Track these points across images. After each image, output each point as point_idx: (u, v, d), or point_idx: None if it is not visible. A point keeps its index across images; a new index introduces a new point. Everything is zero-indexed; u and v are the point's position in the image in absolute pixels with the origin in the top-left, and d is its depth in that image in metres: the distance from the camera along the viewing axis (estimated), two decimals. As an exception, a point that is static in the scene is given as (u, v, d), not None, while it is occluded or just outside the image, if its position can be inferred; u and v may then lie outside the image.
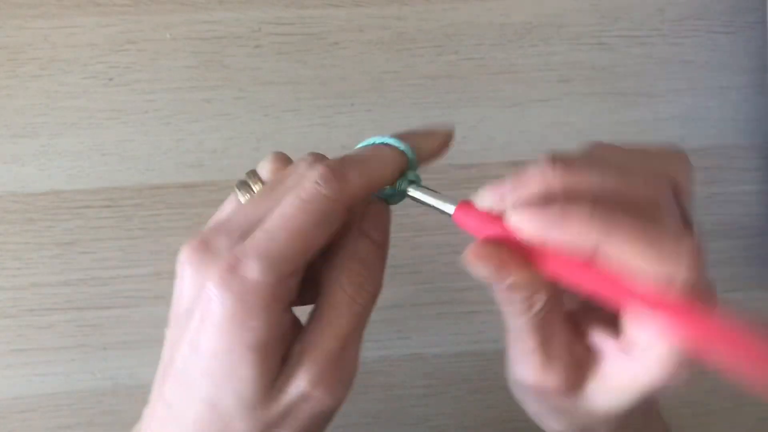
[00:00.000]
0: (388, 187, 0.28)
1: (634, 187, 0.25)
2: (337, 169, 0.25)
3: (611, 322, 0.26)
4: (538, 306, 0.25)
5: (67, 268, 0.44)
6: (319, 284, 0.27)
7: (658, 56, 0.47)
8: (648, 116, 0.47)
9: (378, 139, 0.28)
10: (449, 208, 0.27)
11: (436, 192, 0.28)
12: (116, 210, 0.44)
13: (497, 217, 0.25)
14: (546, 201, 0.24)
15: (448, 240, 0.46)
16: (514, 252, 0.25)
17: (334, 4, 0.45)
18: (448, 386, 0.47)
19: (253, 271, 0.24)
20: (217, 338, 0.24)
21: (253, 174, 0.28)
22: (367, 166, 0.27)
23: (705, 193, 0.47)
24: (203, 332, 0.25)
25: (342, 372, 0.26)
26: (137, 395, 0.44)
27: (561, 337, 0.27)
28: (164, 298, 0.44)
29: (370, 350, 0.46)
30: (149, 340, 0.44)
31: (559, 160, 0.25)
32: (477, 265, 0.25)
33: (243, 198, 0.28)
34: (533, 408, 0.29)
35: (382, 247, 0.27)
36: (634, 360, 0.25)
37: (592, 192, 0.24)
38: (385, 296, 0.46)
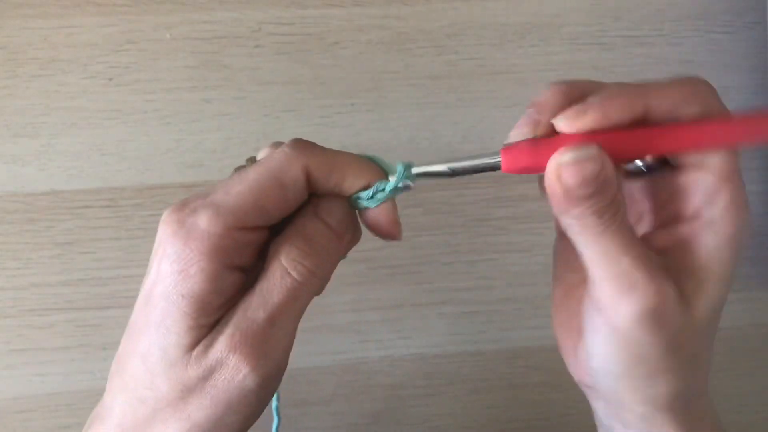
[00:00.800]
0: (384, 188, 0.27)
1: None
2: (307, 141, 0.26)
3: (664, 214, 0.28)
4: (621, 202, 0.25)
5: (67, 268, 0.44)
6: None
7: (658, 56, 0.47)
8: (648, 116, 0.47)
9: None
10: (494, 161, 0.26)
11: (472, 156, 0.27)
12: (116, 210, 0.44)
13: (543, 141, 0.25)
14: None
15: (448, 240, 0.46)
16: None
17: (334, 4, 0.45)
18: (448, 386, 0.47)
19: (201, 218, 0.24)
20: (161, 283, 0.25)
21: (252, 160, 0.29)
22: (338, 153, 0.27)
23: (705, 193, 0.47)
24: (154, 280, 0.25)
25: (265, 346, 0.25)
26: (137, 395, 0.44)
27: (643, 245, 0.26)
28: (164, 298, 0.45)
29: (370, 350, 0.46)
30: (149, 340, 0.44)
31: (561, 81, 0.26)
32: (581, 156, 0.24)
33: None
34: (643, 365, 0.26)
35: (338, 235, 0.27)
36: (708, 219, 0.27)
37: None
38: (385, 296, 0.46)
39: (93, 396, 0.44)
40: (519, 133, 0.26)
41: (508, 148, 0.26)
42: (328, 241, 0.27)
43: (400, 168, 0.27)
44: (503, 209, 0.46)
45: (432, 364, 0.47)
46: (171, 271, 0.24)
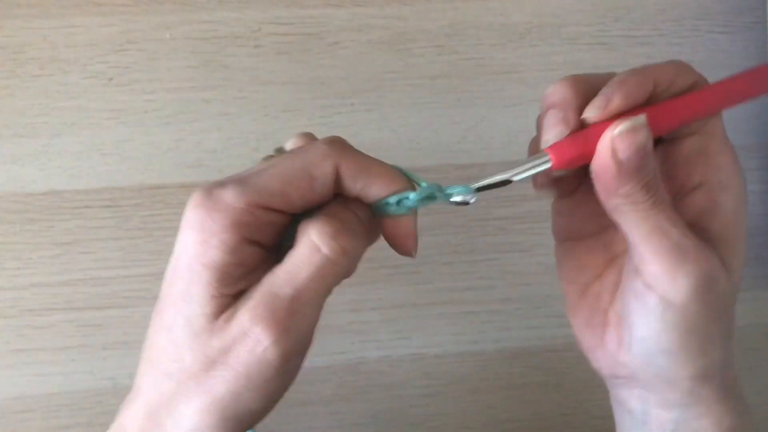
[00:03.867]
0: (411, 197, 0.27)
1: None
2: (344, 141, 0.27)
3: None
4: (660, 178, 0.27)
5: (67, 268, 0.44)
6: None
7: (658, 56, 0.47)
8: (648, 116, 0.47)
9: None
10: (544, 163, 0.27)
11: (521, 161, 0.27)
12: (116, 210, 0.44)
13: (582, 133, 0.26)
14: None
15: (448, 240, 0.46)
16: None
17: (334, 4, 0.45)
18: (448, 386, 0.47)
19: (227, 193, 0.25)
20: (184, 255, 0.25)
21: (280, 150, 0.29)
22: (372, 159, 0.27)
23: (705, 193, 0.47)
24: (177, 254, 0.26)
25: (289, 320, 0.25)
26: (137, 395, 0.44)
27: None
28: (164, 298, 0.45)
29: (370, 350, 0.46)
30: (149, 340, 0.44)
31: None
32: (637, 129, 0.25)
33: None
34: (693, 340, 0.27)
35: (365, 228, 0.27)
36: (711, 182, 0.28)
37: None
38: (385, 296, 0.46)
39: (93, 396, 0.44)
40: (555, 133, 0.27)
41: (554, 146, 0.27)
42: (358, 227, 0.27)
43: (425, 184, 0.27)
44: (503, 209, 0.46)
45: (432, 364, 0.47)
46: (193, 241, 0.25)
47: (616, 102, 0.26)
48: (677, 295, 0.26)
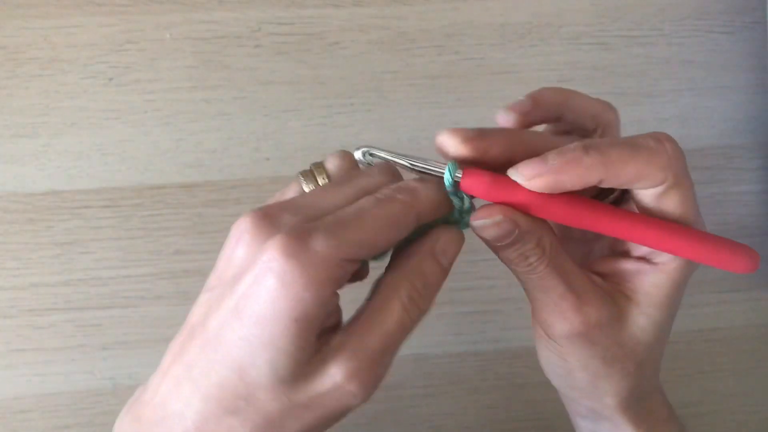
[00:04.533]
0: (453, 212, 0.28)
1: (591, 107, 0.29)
2: (411, 183, 0.28)
3: (615, 251, 0.31)
4: (548, 246, 0.28)
5: (67, 268, 0.44)
6: (374, 286, 0.28)
7: (658, 56, 0.47)
8: (648, 116, 0.47)
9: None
10: (451, 172, 0.27)
11: (432, 160, 0.28)
12: (116, 210, 0.44)
13: (500, 180, 0.27)
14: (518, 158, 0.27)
15: (448, 240, 0.46)
16: (516, 206, 0.27)
17: (334, 4, 0.45)
18: (448, 386, 0.47)
19: (321, 244, 0.24)
20: (267, 303, 0.24)
21: (320, 166, 0.29)
22: (431, 188, 0.28)
23: (705, 193, 0.47)
24: (253, 297, 0.24)
25: (377, 373, 0.26)
26: (137, 395, 0.44)
27: (580, 275, 0.29)
28: (164, 298, 0.45)
29: (370, 350, 0.46)
30: (149, 340, 0.44)
31: (589, 146, 0.26)
32: (486, 224, 0.27)
33: (307, 187, 0.29)
34: (583, 373, 0.30)
35: (445, 273, 0.28)
36: (654, 265, 0.28)
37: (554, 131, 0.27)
38: (385, 296, 0.46)
39: (93, 396, 0.44)
40: (449, 140, 0.28)
41: (470, 174, 0.27)
42: (439, 281, 0.28)
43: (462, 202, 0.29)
44: (503, 209, 0.46)
45: (432, 364, 0.47)
46: (285, 296, 0.24)
47: (542, 182, 0.26)
48: (558, 341, 0.29)
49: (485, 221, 0.27)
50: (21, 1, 0.43)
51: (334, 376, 0.25)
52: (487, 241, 0.28)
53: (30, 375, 0.44)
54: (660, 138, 0.26)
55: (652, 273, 0.28)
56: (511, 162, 0.27)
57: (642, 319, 0.29)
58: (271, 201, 0.29)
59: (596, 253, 0.32)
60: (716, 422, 0.49)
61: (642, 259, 0.29)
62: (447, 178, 0.27)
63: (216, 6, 0.44)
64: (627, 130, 0.47)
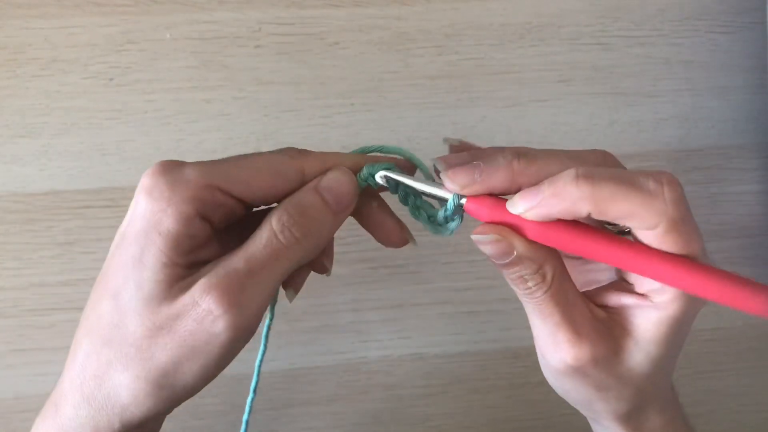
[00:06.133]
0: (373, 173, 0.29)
1: (592, 158, 0.27)
2: (301, 149, 0.29)
3: (621, 281, 0.30)
4: (549, 275, 0.27)
5: (67, 268, 0.44)
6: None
7: (658, 56, 0.47)
8: (648, 116, 0.47)
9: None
10: (456, 201, 0.28)
11: (437, 184, 0.29)
12: (116, 210, 0.44)
13: (501, 205, 0.27)
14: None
15: (448, 240, 0.46)
16: (516, 229, 0.27)
17: (334, 4, 0.45)
18: (448, 386, 0.47)
19: (188, 169, 0.26)
20: (138, 221, 0.26)
21: None
22: (330, 153, 0.29)
23: (705, 193, 0.47)
24: (130, 220, 0.26)
25: (240, 296, 0.25)
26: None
27: (580, 306, 0.28)
28: (164, 298, 0.44)
29: (370, 350, 0.46)
30: (149, 340, 0.44)
31: (520, 151, 0.27)
32: (481, 240, 0.27)
33: None
34: (579, 393, 0.30)
35: (331, 210, 0.28)
36: (655, 303, 0.27)
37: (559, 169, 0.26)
38: (385, 296, 0.46)
39: (93, 396, 0.44)
40: (451, 186, 0.28)
41: (474, 200, 0.28)
42: (321, 215, 0.28)
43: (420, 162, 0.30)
44: (503, 209, 0.46)
45: (432, 364, 0.47)
46: (151, 209, 0.26)
47: (534, 214, 0.26)
48: (552, 365, 0.29)
49: (481, 237, 0.27)
50: (21, 1, 0.43)
51: (193, 293, 0.25)
52: (488, 257, 0.28)
53: (31, 375, 0.44)
54: (661, 180, 0.25)
55: (654, 311, 0.28)
56: (512, 188, 0.27)
57: (640, 356, 0.28)
58: None
59: (602, 281, 0.32)
60: (716, 422, 0.49)
61: (644, 296, 0.28)
62: (450, 204, 0.28)
63: (216, 6, 0.44)
64: (627, 130, 0.47)
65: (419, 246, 0.46)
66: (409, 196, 0.29)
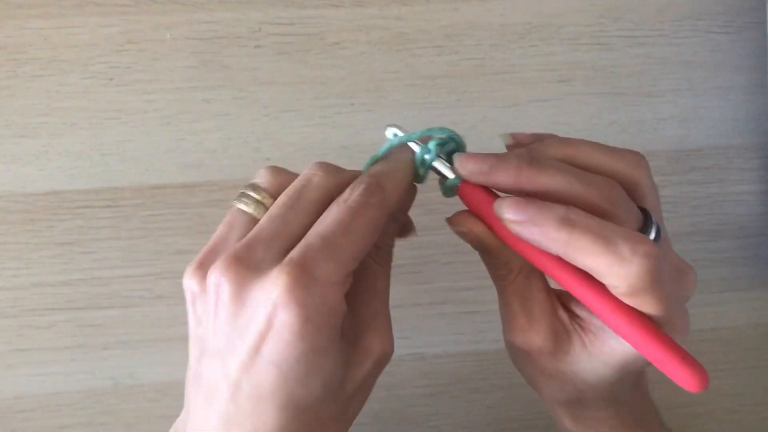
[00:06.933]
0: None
1: (594, 191, 0.27)
2: (376, 182, 0.28)
3: None
4: (516, 270, 0.30)
5: (67, 268, 0.44)
6: None
7: (658, 56, 0.47)
8: (648, 116, 0.47)
9: (395, 140, 0.31)
10: (450, 174, 0.29)
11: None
12: (116, 210, 0.44)
13: (488, 201, 0.28)
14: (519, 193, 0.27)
15: (448, 240, 0.46)
16: (492, 226, 0.28)
17: (334, 4, 0.45)
18: (448, 386, 0.47)
19: (325, 272, 0.25)
20: (297, 343, 0.24)
21: (256, 187, 0.29)
22: (397, 175, 0.29)
23: (705, 193, 0.47)
24: (276, 343, 0.24)
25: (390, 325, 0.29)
26: (137, 395, 0.44)
27: (543, 304, 0.30)
28: (164, 298, 0.45)
29: (370, 350, 0.46)
30: (149, 340, 0.44)
31: (534, 159, 0.27)
32: (456, 227, 0.29)
33: (251, 210, 0.28)
34: (526, 372, 0.33)
35: (400, 222, 0.31)
36: (611, 334, 0.28)
37: (558, 193, 0.26)
38: (385, 296, 0.46)
39: (93, 396, 0.44)
40: (473, 166, 0.28)
41: (468, 186, 0.29)
42: (394, 231, 0.31)
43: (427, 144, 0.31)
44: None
45: (432, 364, 0.47)
46: (311, 328, 0.24)
47: (515, 228, 0.26)
48: (509, 342, 0.32)
49: (454, 228, 0.29)
50: (21, 1, 0.43)
51: (373, 354, 0.28)
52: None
53: (30, 375, 0.44)
54: (636, 249, 0.25)
55: (614, 340, 0.28)
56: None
57: (588, 367, 0.29)
58: (211, 245, 0.28)
59: None
60: (715, 421, 0.49)
61: (597, 328, 0.29)
62: (450, 183, 0.29)
63: (216, 6, 0.44)
64: (627, 130, 0.47)
65: (419, 246, 0.46)
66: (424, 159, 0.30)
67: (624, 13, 0.47)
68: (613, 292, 0.26)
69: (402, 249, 0.46)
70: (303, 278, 0.24)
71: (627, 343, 0.27)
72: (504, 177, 0.27)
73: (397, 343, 0.47)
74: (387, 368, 0.46)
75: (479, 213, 0.29)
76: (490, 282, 0.47)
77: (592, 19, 0.46)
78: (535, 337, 0.29)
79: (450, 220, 0.29)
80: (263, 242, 0.26)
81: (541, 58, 0.46)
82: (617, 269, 0.25)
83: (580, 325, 0.30)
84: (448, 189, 0.29)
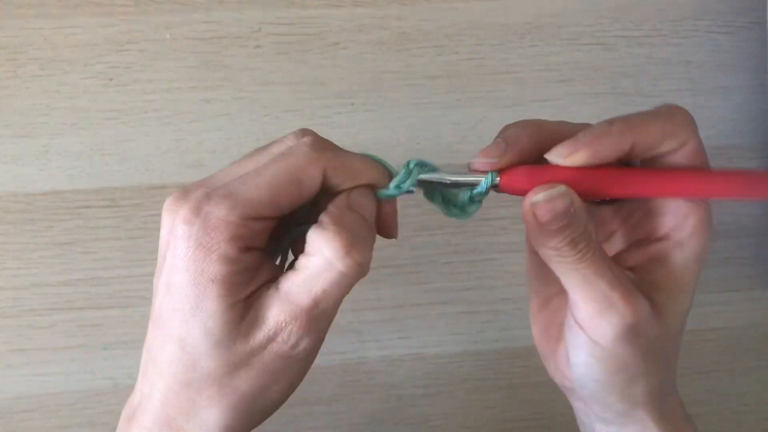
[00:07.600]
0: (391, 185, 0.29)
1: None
2: (326, 142, 0.28)
3: (636, 233, 0.31)
4: (593, 234, 0.27)
5: (67, 268, 0.44)
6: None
7: (658, 56, 0.47)
8: (648, 116, 0.47)
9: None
10: (490, 179, 0.28)
11: (462, 172, 0.29)
12: (116, 210, 0.44)
13: (535, 169, 0.27)
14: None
15: (448, 240, 0.46)
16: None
17: (334, 4, 0.45)
18: (448, 386, 0.47)
19: (218, 208, 0.25)
20: (184, 272, 0.25)
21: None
22: (353, 158, 0.28)
23: (705, 193, 0.47)
24: (173, 269, 0.26)
25: (311, 325, 0.26)
26: (137, 395, 0.44)
27: (618, 267, 0.28)
28: (164, 298, 0.45)
29: (370, 350, 0.46)
30: (149, 340, 0.44)
31: (533, 122, 0.29)
32: (552, 195, 0.27)
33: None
34: (621, 377, 0.30)
35: (370, 226, 0.28)
36: (676, 241, 0.29)
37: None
38: (385, 296, 0.46)
39: (93, 396, 0.44)
40: (485, 162, 0.28)
41: (508, 171, 0.28)
42: (366, 230, 0.28)
43: (411, 166, 0.29)
44: (503, 209, 0.46)
45: (432, 364, 0.47)
46: (193, 259, 0.25)
47: (581, 155, 0.27)
48: (602, 340, 0.28)
49: (547, 194, 0.27)
50: (21, 1, 0.43)
51: (268, 327, 0.26)
52: (537, 227, 0.27)
53: (30, 375, 0.44)
54: (670, 106, 0.28)
55: (678, 252, 0.29)
56: (541, 153, 0.28)
57: (673, 307, 0.29)
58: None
59: (616, 246, 0.32)
60: (716, 422, 0.49)
61: (664, 238, 0.29)
62: (484, 184, 0.28)
63: (216, 6, 0.44)
64: (627, 130, 0.47)
65: (419, 246, 0.46)
66: (436, 192, 0.29)
67: (624, 13, 0.47)
68: (683, 155, 0.28)
69: (402, 249, 0.46)
70: (193, 211, 0.26)
71: (689, 244, 0.29)
72: (525, 141, 0.28)
73: (396, 343, 0.47)
74: (387, 368, 0.47)
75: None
76: (490, 282, 0.47)
77: (592, 19, 0.46)
78: (642, 300, 0.28)
79: (534, 193, 0.27)
80: (206, 181, 0.27)
81: (541, 58, 0.46)
82: (677, 119, 0.28)
83: (642, 274, 0.30)
84: (486, 190, 0.28)
